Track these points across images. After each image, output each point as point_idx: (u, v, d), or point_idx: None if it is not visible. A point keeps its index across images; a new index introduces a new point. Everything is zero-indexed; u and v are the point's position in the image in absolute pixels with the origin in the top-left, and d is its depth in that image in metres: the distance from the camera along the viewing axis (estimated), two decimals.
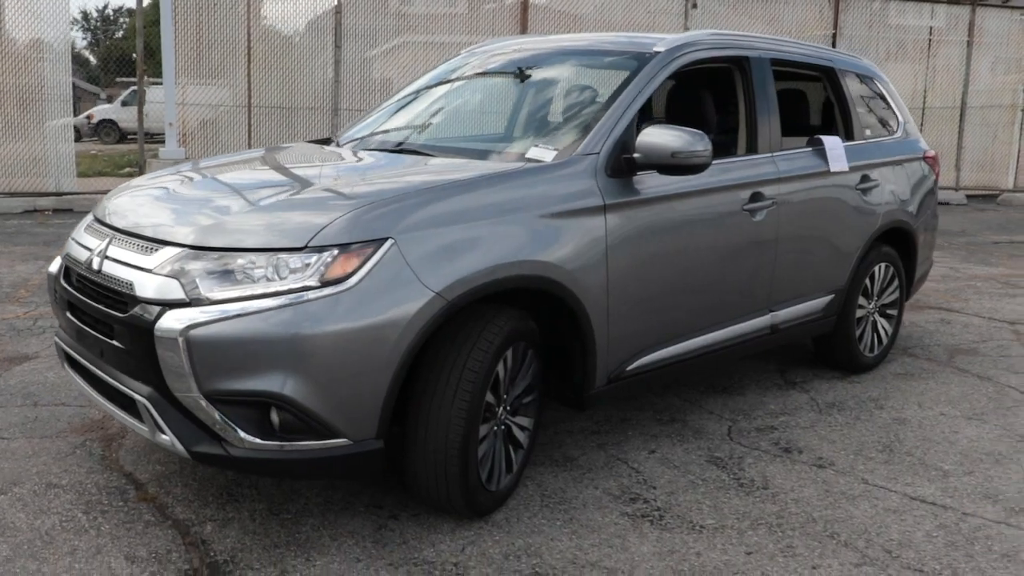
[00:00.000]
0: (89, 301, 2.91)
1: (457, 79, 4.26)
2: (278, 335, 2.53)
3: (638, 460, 3.59)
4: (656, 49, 3.68)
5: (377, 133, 4.01)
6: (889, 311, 5.01)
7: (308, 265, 2.58)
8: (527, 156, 3.31)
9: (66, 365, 3.22)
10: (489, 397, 2.92)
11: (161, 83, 11.92)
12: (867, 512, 3.20)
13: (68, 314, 3.11)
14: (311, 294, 2.56)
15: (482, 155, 3.48)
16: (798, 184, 4.14)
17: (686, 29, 13.46)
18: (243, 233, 2.68)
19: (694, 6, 13.90)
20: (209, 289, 2.59)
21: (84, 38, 67.89)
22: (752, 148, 4.03)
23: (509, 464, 3.14)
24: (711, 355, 3.86)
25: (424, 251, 2.71)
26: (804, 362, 5.01)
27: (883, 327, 4.98)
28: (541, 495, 3.25)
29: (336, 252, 2.60)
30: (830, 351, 4.81)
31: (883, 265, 4.85)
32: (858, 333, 4.77)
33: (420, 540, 2.90)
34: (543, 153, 3.29)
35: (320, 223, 2.64)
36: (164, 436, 2.66)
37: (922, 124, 15.16)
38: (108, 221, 3.08)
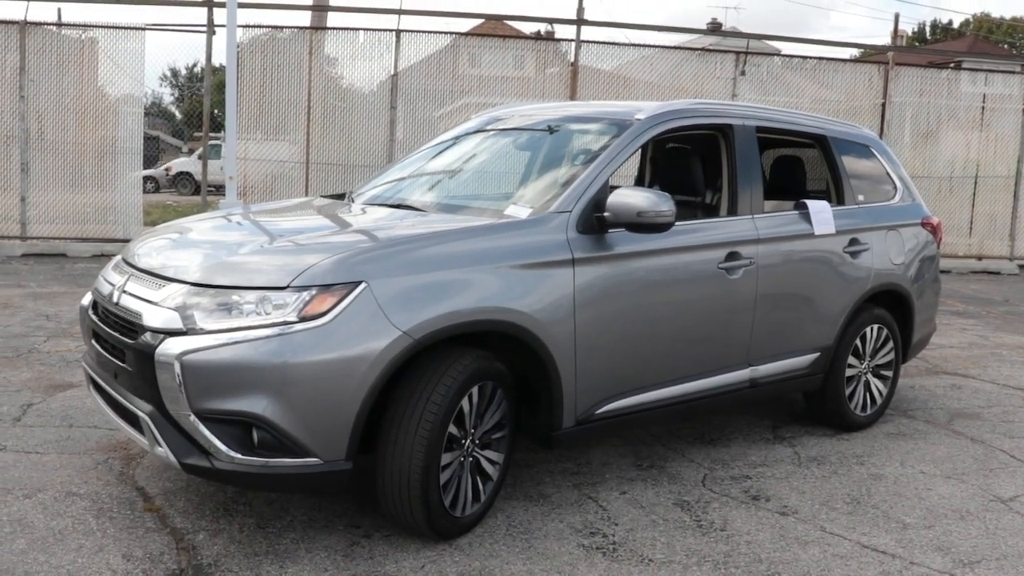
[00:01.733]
0: (108, 329, 3.31)
1: (462, 142, 4.64)
2: (259, 363, 2.87)
3: (608, 500, 3.81)
4: (637, 117, 4.00)
5: (384, 189, 4.39)
6: (884, 372, 5.15)
7: (289, 303, 2.93)
8: (505, 213, 3.64)
9: (90, 387, 3.62)
10: (453, 429, 3.21)
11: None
12: (815, 556, 3.37)
13: (92, 341, 3.52)
14: (290, 328, 2.90)
15: (467, 212, 3.82)
16: (779, 245, 4.38)
17: (734, 95, 13.78)
18: (237, 274, 3.06)
19: (742, 73, 14.23)
20: (204, 321, 2.96)
21: (172, 94, 71.39)
22: (733, 210, 4.29)
23: (477, 494, 3.40)
24: (686, 404, 4.08)
25: (395, 294, 3.04)
26: (799, 419, 5.16)
27: (877, 388, 5.11)
28: (507, 525, 3.49)
29: (315, 292, 2.95)
30: (820, 408, 4.96)
31: (876, 326, 5.01)
32: (848, 392, 4.92)
33: (386, 557, 3.17)
34: (519, 211, 3.62)
35: (303, 266, 3.00)
36: (160, 448, 3.02)
37: (975, 192, 15.10)
38: (130, 260, 3.49)
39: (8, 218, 11.46)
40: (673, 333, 3.93)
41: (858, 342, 4.93)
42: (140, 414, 3.07)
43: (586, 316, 3.54)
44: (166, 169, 31.10)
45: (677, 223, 3.80)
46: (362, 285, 3.00)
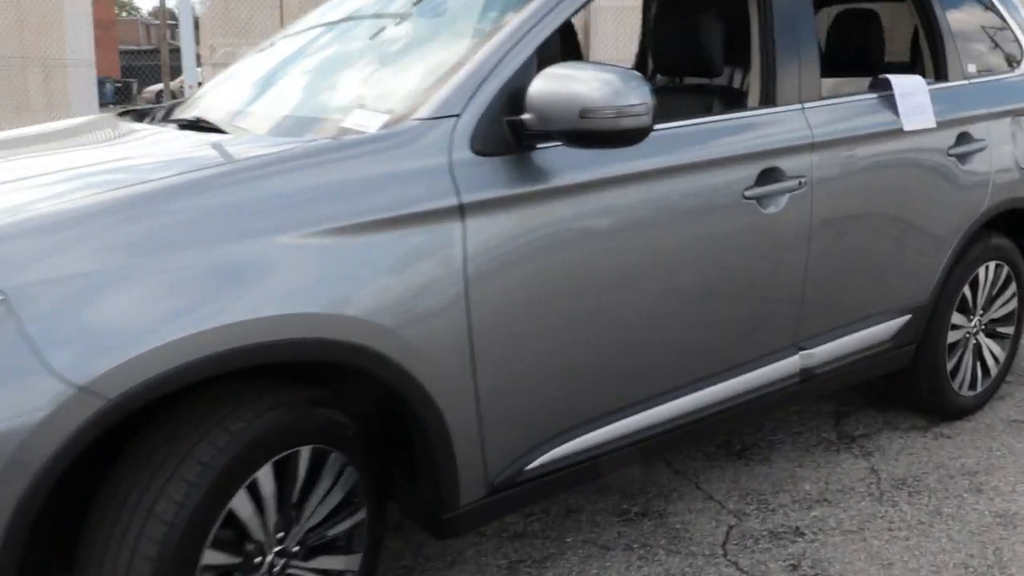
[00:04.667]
0: None
1: (327, 26, 2.89)
2: None
3: None
4: None
5: (204, 99, 2.77)
6: (1002, 329, 3.47)
7: None
8: (343, 126, 2.01)
9: None
10: (215, 557, 1.68)
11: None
12: None
13: None
14: None
15: (295, 128, 2.19)
16: (846, 152, 2.68)
17: None
18: None
19: None
20: None
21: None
22: (769, 97, 2.58)
23: None
24: (694, 427, 2.49)
25: (70, 312, 1.48)
26: (872, 400, 3.54)
27: (992, 352, 3.44)
28: None
29: None
30: (909, 392, 3.33)
31: (993, 264, 3.31)
32: (951, 366, 3.27)
33: None
34: (368, 119, 1.99)
35: None
36: None
37: None
38: None
39: None
40: (665, 316, 2.31)
41: (967, 290, 3.25)
42: None
43: (491, 307, 1.94)
44: (181, 82, 29.56)
45: (669, 125, 2.20)
46: None
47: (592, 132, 1.90)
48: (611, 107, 1.88)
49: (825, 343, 2.76)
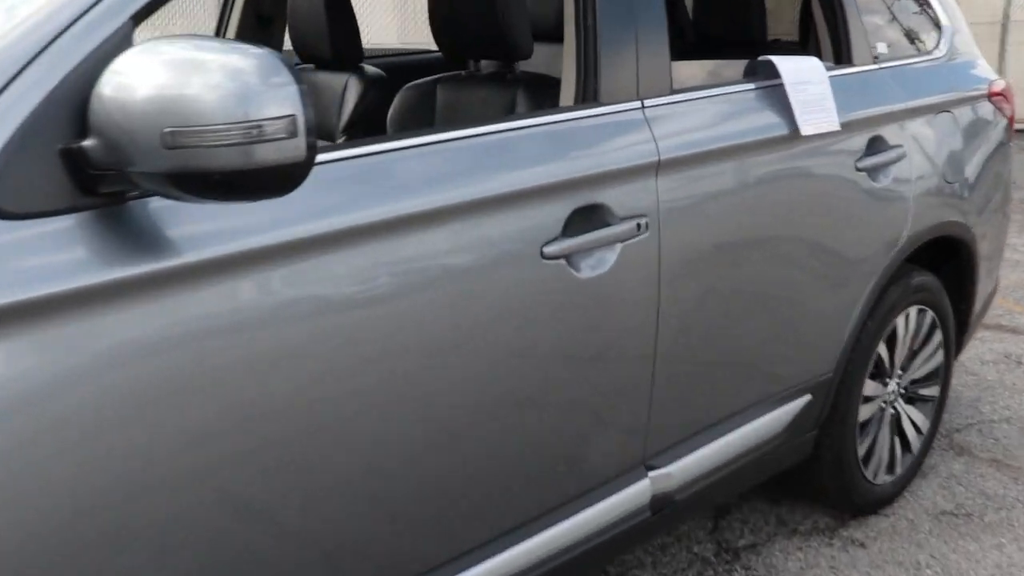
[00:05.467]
0: None
1: None
2: None
3: None
4: None
5: None
6: (924, 391, 2.67)
7: None
8: None
9: None
10: None
11: None
12: None
13: None
14: None
15: None
16: (711, 172, 1.79)
17: None
18: None
19: None
20: None
21: None
22: (588, 91, 1.67)
23: None
24: None
25: None
26: (760, 487, 2.69)
27: (912, 422, 2.65)
28: None
29: None
30: (806, 483, 2.50)
31: (914, 311, 2.51)
32: (863, 450, 2.45)
33: None
34: None
35: None
36: None
37: None
38: None
39: None
40: (397, 464, 1.38)
41: (882, 348, 2.43)
42: None
43: (52, 500, 0.98)
44: None
45: (384, 147, 1.28)
46: None
47: (196, 174, 0.95)
48: (231, 124, 0.94)
49: (685, 456, 1.88)
